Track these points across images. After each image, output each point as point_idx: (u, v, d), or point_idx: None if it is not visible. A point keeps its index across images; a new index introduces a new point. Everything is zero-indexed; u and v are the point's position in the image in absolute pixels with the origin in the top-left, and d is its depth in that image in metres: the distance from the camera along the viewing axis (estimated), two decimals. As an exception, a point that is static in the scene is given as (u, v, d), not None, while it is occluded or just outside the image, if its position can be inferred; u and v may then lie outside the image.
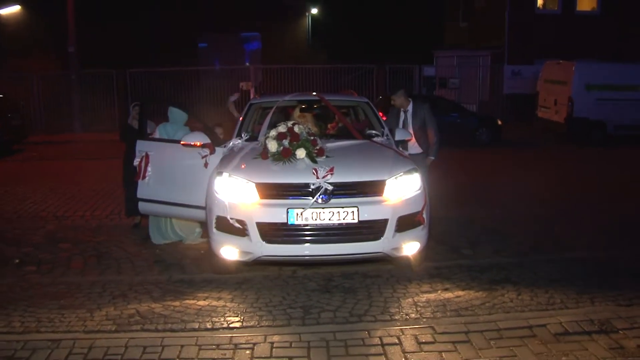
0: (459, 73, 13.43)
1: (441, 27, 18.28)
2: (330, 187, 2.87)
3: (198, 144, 3.46)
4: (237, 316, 2.73)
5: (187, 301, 2.93)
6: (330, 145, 3.38)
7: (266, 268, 3.37)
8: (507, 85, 12.78)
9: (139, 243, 4.02)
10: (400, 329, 2.54)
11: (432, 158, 4.35)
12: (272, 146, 3.16)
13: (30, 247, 3.93)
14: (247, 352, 2.35)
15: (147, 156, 3.63)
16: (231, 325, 2.63)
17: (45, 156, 8.72)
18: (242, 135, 3.66)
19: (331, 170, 2.92)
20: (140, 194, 3.65)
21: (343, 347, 2.38)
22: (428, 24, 19.69)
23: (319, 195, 2.85)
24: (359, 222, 2.86)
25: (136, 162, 3.66)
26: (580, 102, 9.01)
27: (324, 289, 3.08)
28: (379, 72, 12.62)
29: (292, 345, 2.41)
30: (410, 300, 2.90)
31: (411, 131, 4.21)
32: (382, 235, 2.89)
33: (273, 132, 3.25)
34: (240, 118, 4.10)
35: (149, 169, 3.62)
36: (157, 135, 3.83)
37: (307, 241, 2.88)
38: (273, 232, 2.88)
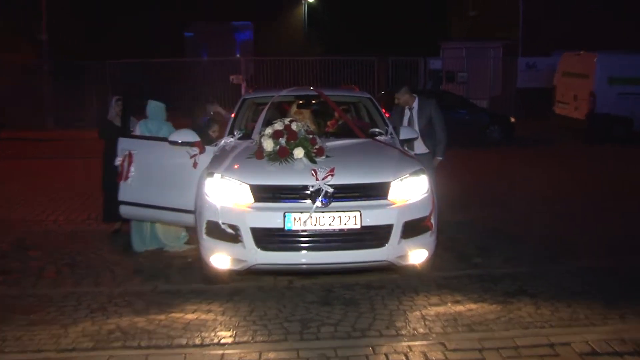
0: (468, 66, 13.49)
1: (448, 17, 18.39)
2: (330, 190, 2.87)
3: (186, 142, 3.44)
4: (228, 331, 2.72)
5: (174, 314, 2.91)
6: (331, 144, 3.39)
7: (260, 278, 3.36)
8: (521, 78, 12.74)
9: (119, 251, 4.00)
10: (408, 345, 2.53)
11: (440, 158, 4.37)
12: (268, 145, 3.17)
13: (-4, 255, 3.90)
14: (240, 370, 2.34)
15: (130, 155, 3.62)
16: (222, 341, 2.61)
17: (17, 154, 8.66)
18: (235, 133, 3.67)
19: (331, 171, 2.93)
20: (122, 196, 3.63)
21: (345, 364, 2.37)
22: (434, 12, 19.80)
23: (319, 199, 2.85)
24: (362, 227, 2.86)
25: (118, 161, 3.65)
26: (602, 97, 8.88)
27: (324, 300, 3.08)
28: (381, 65, 12.68)
29: (290, 363, 2.40)
30: (417, 313, 2.90)
31: (417, 129, 4.23)
32: (386, 242, 2.90)
33: (269, 130, 3.26)
34: (232, 115, 4.11)
35: (132, 169, 3.61)
36: (138, 133, 3.82)
37: (306, 248, 2.88)
38: (269, 238, 2.88)
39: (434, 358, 2.42)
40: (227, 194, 2.99)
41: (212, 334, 2.68)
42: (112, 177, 3.77)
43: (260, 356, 2.45)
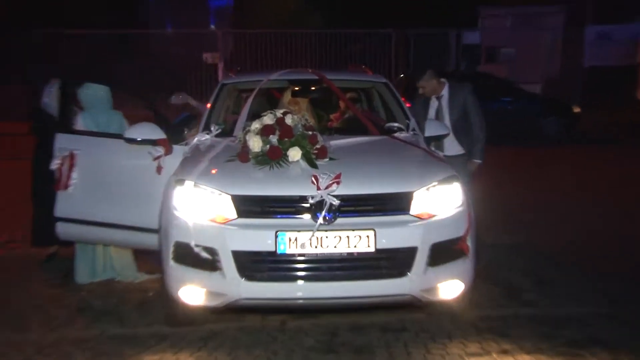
0: (515, 39, 13.54)
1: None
2: (336, 202, 2.92)
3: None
4: (203, 387, 2.77)
5: (130, 366, 2.95)
6: (335, 143, 3.45)
7: (244, 317, 3.40)
8: (590, 54, 12.47)
9: (55, 284, 4.03)
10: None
11: (478, 161, 4.44)
12: (255, 144, 3.23)
13: None
14: None
15: (72, 156, 3.66)
16: (195, 400, 2.66)
17: None
18: (212, 129, 3.73)
19: (337, 177, 2.98)
20: (61, 210, 3.68)
21: None
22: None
23: (321, 214, 2.91)
24: (376, 250, 2.91)
25: (55, 164, 3.69)
26: None
27: (327, 347, 3.11)
28: (399, 39, 12.81)
29: None
30: (450, 365, 2.93)
31: (448, 124, 4.31)
32: (408, 271, 2.94)
33: (256, 125, 3.32)
34: (208, 105, 4.19)
35: (74, 174, 3.66)
36: (82, 127, 3.87)
37: (304, 278, 2.92)
38: (256, 265, 2.92)
39: None
40: (202, 207, 3.04)
41: (182, 391, 2.72)
42: (47, 185, 3.78)
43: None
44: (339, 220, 2.93)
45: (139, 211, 3.55)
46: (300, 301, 2.99)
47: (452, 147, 4.36)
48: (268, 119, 3.34)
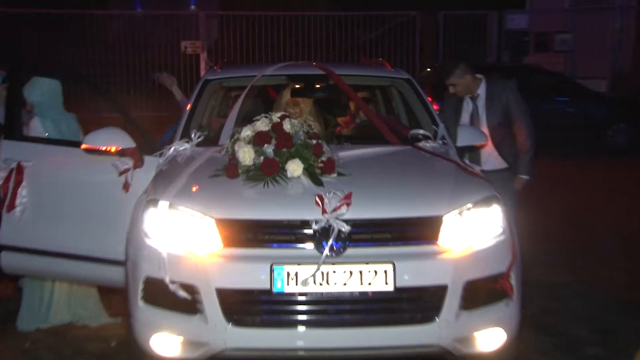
0: (574, 24, 13.62)
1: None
2: (345, 228, 2.95)
3: (112, 149, 3.59)
4: None
5: None
6: (346, 154, 3.50)
7: (230, 373, 3.43)
8: None
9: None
10: None
11: (525, 177, 4.48)
12: (246, 155, 3.27)
13: None
14: None
15: (20, 169, 3.73)
16: None
17: None
18: (192, 136, 3.78)
19: (347, 198, 3.01)
20: (5, 237, 3.74)
21: None
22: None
23: (328, 243, 2.94)
24: (396, 289, 2.93)
25: (-1, 179, 3.76)
26: None
27: (334, 411, 3.13)
28: (427, 24, 12.91)
29: None
30: None
31: (485, 131, 4.36)
32: (437, 315, 2.96)
33: (247, 132, 3.38)
34: (188, 106, 4.26)
35: (22, 192, 3.73)
36: (35, 132, 3.96)
37: (306, 323, 2.95)
38: (246, 307, 2.95)
39: None
40: (179, 234, 3.08)
41: None
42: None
43: None
44: (350, 251, 2.96)
45: (100, 238, 3.61)
46: (301, 352, 3.01)
47: (491, 160, 4.43)
48: (262, 125, 3.39)
